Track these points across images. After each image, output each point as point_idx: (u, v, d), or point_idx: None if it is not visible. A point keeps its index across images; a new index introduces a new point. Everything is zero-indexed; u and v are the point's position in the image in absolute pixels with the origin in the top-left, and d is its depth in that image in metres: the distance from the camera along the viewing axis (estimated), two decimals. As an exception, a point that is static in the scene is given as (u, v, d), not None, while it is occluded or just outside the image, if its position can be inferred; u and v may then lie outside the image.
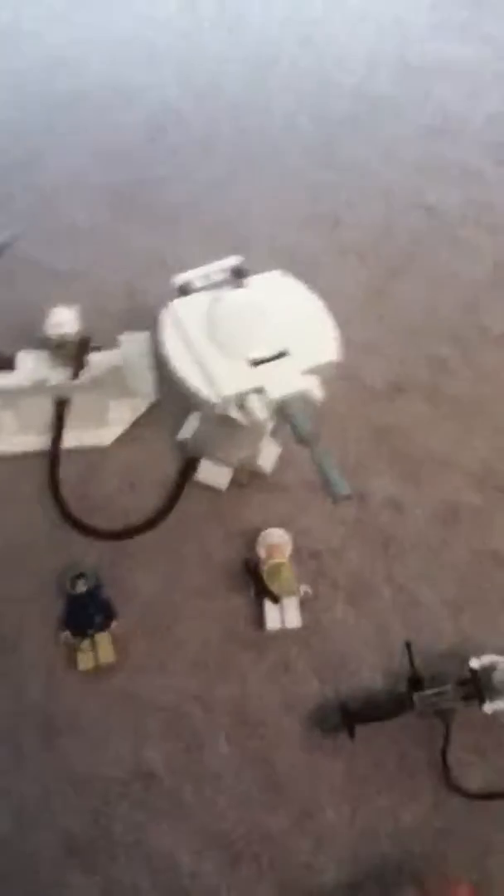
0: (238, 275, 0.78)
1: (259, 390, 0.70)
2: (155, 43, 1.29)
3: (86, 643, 0.80)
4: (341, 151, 1.23)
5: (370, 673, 0.83)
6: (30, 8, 1.27)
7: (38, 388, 0.87)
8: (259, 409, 0.70)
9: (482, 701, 0.76)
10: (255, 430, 0.83)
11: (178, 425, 0.93)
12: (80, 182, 1.14)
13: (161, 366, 0.92)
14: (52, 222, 1.09)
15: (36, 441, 0.91)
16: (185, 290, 0.77)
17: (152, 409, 0.96)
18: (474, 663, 0.77)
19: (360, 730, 0.77)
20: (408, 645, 0.81)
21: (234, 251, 0.80)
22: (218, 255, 0.79)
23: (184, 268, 0.79)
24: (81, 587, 0.82)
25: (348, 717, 0.78)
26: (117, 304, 1.03)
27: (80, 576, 0.83)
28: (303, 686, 0.82)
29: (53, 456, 0.90)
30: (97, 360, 0.88)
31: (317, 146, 1.23)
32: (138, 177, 1.14)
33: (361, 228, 1.16)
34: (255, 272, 0.79)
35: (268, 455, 0.92)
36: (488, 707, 0.75)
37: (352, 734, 0.77)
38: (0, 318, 1.00)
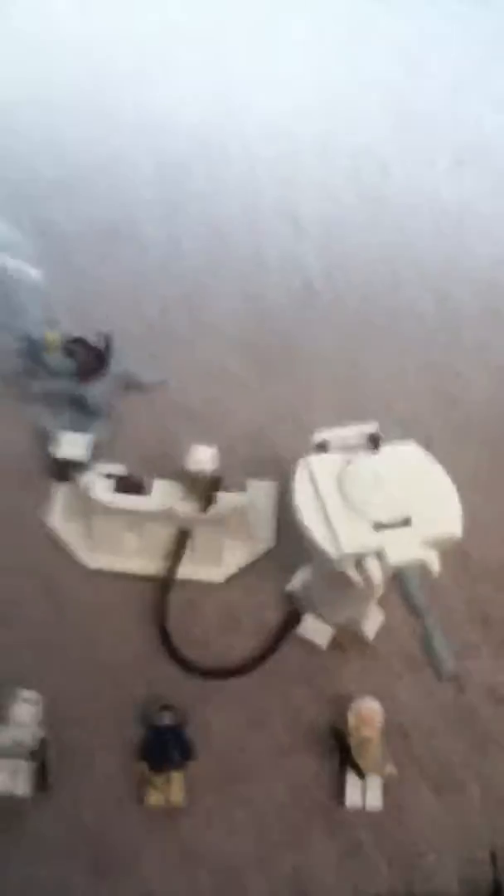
0: (373, 440, 0.82)
1: (379, 553, 0.71)
2: (301, 214, 1.48)
3: (160, 779, 0.78)
4: (463, 332, 1.31)
5: (446, 875, 0.77)
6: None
7: (165, 514, 0.91)
8: (376, 572, 0.71)
9: None
10: (365, 593, 0.83)
11: (287, 577, 0.94)
12: (227, 332, 1.25)
13: (286, 515, 0.94)
14: (197, 365, 1.19)
15: (151, 566, 0.94)
16: (322, 447, 0.80)
17: (266, 556, 0.98)
18: None
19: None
20: (493, 856, 0.75)
21: (353, 414, 0.84)
22: (339, 415, 0.84)
23: (307, 424, 0.83)
24: (167, 720, 0.81)
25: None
26: (245, 449, 1.08)
27: (168, 707, 0.82)
28: (373, 875, 0.77)
29: (168, 582, 0.92)
30: (224, 500, 0.92)
31: (438, 325, 1.32)
32: (275, 335, 1.26)
33: (479, 408, 1.19)
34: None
35: (372, 621, 0.91)
36: None
37: (421, 943, 0.71)
38: (141, 447, 1.07)
